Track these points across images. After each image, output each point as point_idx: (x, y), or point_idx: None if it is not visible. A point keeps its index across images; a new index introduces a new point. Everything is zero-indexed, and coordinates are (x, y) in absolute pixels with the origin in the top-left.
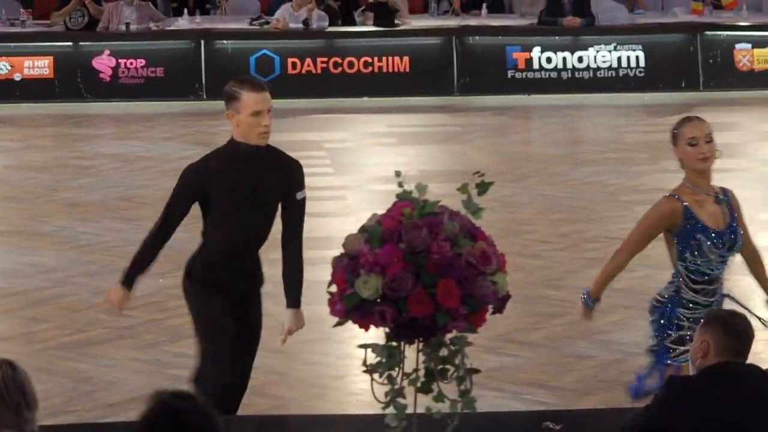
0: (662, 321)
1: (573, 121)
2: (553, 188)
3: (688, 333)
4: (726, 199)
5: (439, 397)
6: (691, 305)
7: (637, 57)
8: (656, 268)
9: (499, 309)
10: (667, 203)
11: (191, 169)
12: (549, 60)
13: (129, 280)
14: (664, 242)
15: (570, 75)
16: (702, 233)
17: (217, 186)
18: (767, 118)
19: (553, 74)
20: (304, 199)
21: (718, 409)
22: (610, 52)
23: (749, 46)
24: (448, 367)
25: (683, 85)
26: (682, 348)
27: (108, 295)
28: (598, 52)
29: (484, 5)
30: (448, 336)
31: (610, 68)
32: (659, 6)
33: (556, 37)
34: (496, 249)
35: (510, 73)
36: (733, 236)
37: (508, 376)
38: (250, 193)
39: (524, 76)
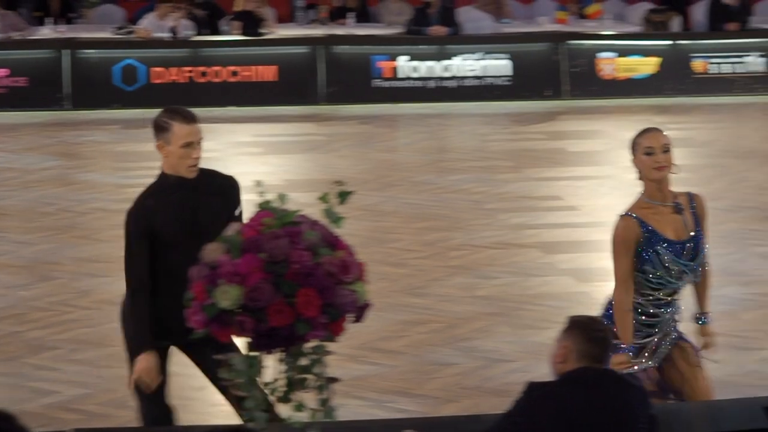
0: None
1: (439, 130)
2: (418, 197)
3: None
4: (691, 208)
5: (299, 407)
6: (643, 314)
7: (502, 66)
8: (518, 275)
9: (358, 318)
10: (621, 223)
11: (132, 214)
12: (415, 69)
13: (148, 341)
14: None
15: (436, 84)
16: (659, 244)
17: (158, 224)
18: (630, 125)
19: (419, 83)
20: (241, 213)
21: (578, 414)
22: (476, 61)
23: (613, 55)
24: (308, 376)
25: (548, 94)
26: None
27: (141, 370)
28: (464, 61)
29: (351, 14)
30: (308, 345)
31: (476, 77)
32: (525, 15)
33: (422, 46)
34: (356, 258)
35: (376, 82)
36: (696, 245)
37: (370, 384)
38: (189, 225)
39: (390, 85)
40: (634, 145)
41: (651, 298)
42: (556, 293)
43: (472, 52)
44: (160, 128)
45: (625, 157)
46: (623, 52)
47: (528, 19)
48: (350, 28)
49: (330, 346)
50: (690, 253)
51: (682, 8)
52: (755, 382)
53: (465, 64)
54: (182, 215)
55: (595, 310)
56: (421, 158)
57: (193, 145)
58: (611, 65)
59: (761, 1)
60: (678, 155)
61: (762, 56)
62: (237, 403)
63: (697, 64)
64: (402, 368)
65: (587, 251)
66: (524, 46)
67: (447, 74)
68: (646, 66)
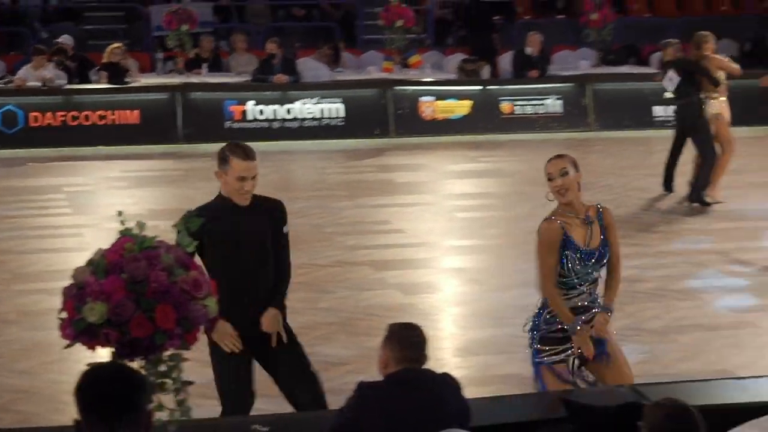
0: (533, 327)
1: (283, 165)
2: None
3: (550, 336)
4: (598, 220)
5: (159, 407)
6: (553, 313)
7: (337, 109)
8: (353, 289)
9: (210, 328)
10: (546, 225)
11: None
12: (261, 112)
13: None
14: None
15: (280, 125)
16: (571, 250)
17: (209, 236)
18: (448, 159)
19: (265, 124)
20: (287, 232)
21: (400, 410)
22: (314, 104)
23: (432, 98)
24: (166, 380)
25: (377, 133)
26: (547, 349)
27: (219, 335)
28: (304, 104)
29: (205, 65)
30: (166, 353)
31: (314, 118)
32: (356, 65)
33: (268, 92)
34: (206, 277)
35: (227, 124)
36: (601, 254)
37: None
38: (236, 242)
39: (240, 126)
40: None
41: (566, 299)
42: (386, 304)
43: (311, 97)
44: (221, 159)
45: (445, 186)
46: (441, 96)
47: (359, 69)
48: (204, 76)
49: (186, 353)
50: (595, 259)
51: (491, 58)
52: None
53: (304, 108)
54: (230, 234)
55: (420, 319)
56: (268, 190)
57: (246, 179)
58: (431, 107)
59: (558, 52)
60: (489, 184)
61: (559, 99)
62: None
63: (505, 106)
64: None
65: (413, 268)
66: (356, 91)
67: (289, 116)
68: (460, 108)
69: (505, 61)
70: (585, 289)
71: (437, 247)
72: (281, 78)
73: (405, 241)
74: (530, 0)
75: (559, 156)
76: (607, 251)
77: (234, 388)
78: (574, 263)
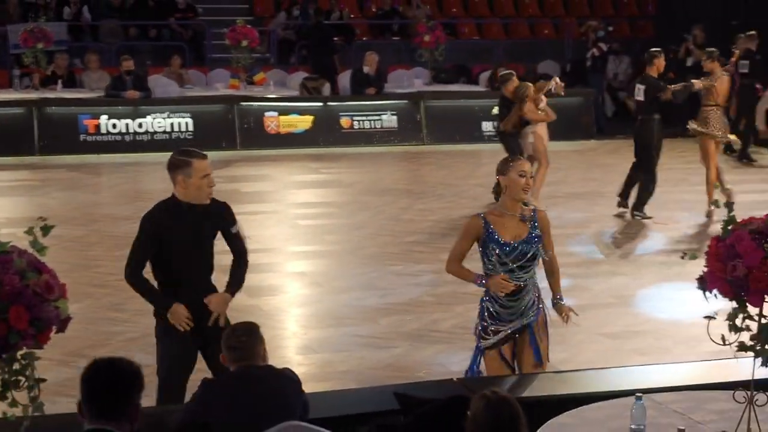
0: (478, 315)
1: (135, 176)
2: (118, 230)
3: (491, 325)
4: (533, 219)
5: (13, 403)
6: (493, 302)
7: (186, 123)
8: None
9: (61, 329)
10: (471, 219)
11: (146, 219)
12: (114, 126)
13: (167, 300)
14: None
15: (132, 138)
16: (496, 244)
17: (167, 235)
18: (292, 171)
19: (118, 137)
20: (238, 231)
21: (243, 403)
22: (164, 119)
23: (276, 113)
24: (20, 378)
25: (224, 145)
26: (488, 337)
27: (174, 317)
28: (154, 119)
29: (60, 81)
30: (20, 352)
31: (164, 132)
32: (204, 82)
33: (120, 107)
34: (58, 280)
35: (82, 137)
36: (525, 249)
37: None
38: (191, 240)
39: (94, 139)
40: (508, 167)
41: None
42: (232, 306)
43: (161, 112)
44: (180, 165)
45: (289, 195)
46: (284, 112)
47: (207, 85)
48: (59, 92)
49: (39, 352)
50: (519, 254)
51: (331, 76)
52: (391, 373)
53: (155, 122)
54: (188, 232)
55: (264, 319)
56: (120, 199)
57: (209, 175)
58: (275, 122)
59: (393, 71)
60: (330, 194)
61: (394, 114)
62: None
63: (344, 121)
64: None
65: (258, 272)
66: (204, 106)
67: (140, 130)
68: (303, 123)
69: (345, 79)
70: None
71: (281, 252)
72: (133, 94)
73: (250, 247)
74: (368, 23)
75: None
76: (532, 250)
77: (171, 380)
78: (500, 256)
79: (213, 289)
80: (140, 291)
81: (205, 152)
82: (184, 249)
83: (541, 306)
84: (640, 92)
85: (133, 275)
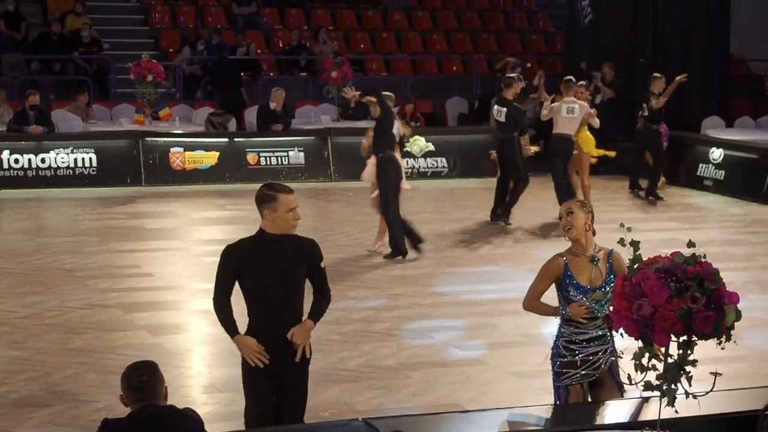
0: (552, 352)
1: (37, 212)
2: (20, 267)
3: (568, 360)
4: (608, 261)
5: None
6: (567, 342)
7: (90, 158)
8: (103, 330)
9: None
10: (553, 259)
11: (225, 253)
12: (17, 161)
13: (236, 329)
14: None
15: (34, 173)
16: (572, 287)
17: (248, 267)
18: (197, 207)
19: (21, 173)
20: (324, 267)
21: None
22: (67, 154)
23: (181, 149)
24: None
25: (129, 181)
26: (567, 372)
27: (243, 349)
28: (57, 154)
29: None
30: None
31: (68, 167)
32: (109, 117)
33: (23, 142)
34: None
35: None
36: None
37: None
38: (276, 272)
39: None
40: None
41: (573, 329)
42: (135, 344)
43: (65, 147)
44: (267, 199)
45: (194, 232)
46: (190, 147)
47: (112, 120)
48: None
49: None
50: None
51: (238, 112)
52: None
53: (58, 157)
54: (269, 264)
55: (167, 358)
56: (22, 235)
57: (296, 209)
58: (180, 158)
59: (300, 107)
60: (235, 231)
61: (301, 151)
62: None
63: (251, 157)
64: (4, 410)
65: (161, 310)
66: (108, 142)
67: (43, 165)
68: (208, 159)
69: (251, 114)
70: (598, 323)
71: (185, 289)
72: (36, 129)
73: (153, 285)
74: (275, 58)
75: (570, 199)
76: (609, 292)
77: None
78: (576, 299)
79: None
80: (217, 314)
81: (290, 187)
82: (264, 281)
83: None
84: (501, 114)
85: (215, 301)
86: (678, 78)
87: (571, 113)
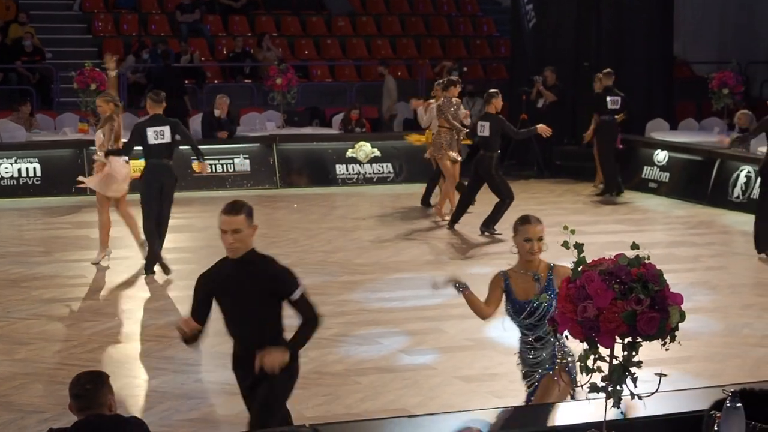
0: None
1: None
2: None
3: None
4: (549, 276)
5: None
6: (523, 354)
7: (34, 168)
8: (50, 341)
9: None
10: (494, 278)
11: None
12: None
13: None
14: None
15: None
16: (509, 301)
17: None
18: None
19: None
20: (298, 299)
21: None
22: (11, 164)
23: (125, 158)
24: None
25: (73, 191)
26: (526, 382)
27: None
28: (1, 165)
29: None
30: None
31: (12, 177)
32: (52, 126)
33: None
34: None
35: None
36: (539, 306)
37: None
38: (231, 296)
39: None
40: (517, 230)
41: (526, 339)
42: (83, 355)
43: (8, 158)
44: None
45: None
46: (135, 156)
47: (56, 130)
48: None
49: None
50: (532, 312)
51: (182, 120)
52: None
53: (2, 168)
54: (229, 289)
55: (113, 368)
56: None
57: (226, 232)
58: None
59: (245, 114)
60: (182, 239)
61: (246, 158)
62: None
63: (196, 165)
64: None
65: (108, 319)
66: (52, 151)
67: None
68: None
69: (196, 122)
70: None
71: (132, 298)
72: None
73: (100, 295)
74: (219, 65)
75: (537, 220)
76: (550, 308)
77: None
78: (511, 313)
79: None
80: None
81: (238, 206)
82: (228, 304)
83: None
84: (484, 129)
85: None
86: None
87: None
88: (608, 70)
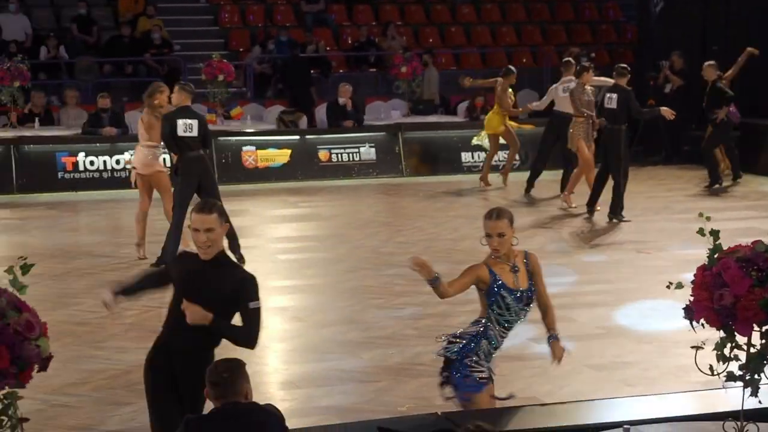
0: (464, 351)
1: (113, 212)
2: (97, 267)
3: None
4: (525, 265)
5: None
6: (493, 341)
7: (164, 158)
8: None
9: (43, 367)
10: (477, 264)
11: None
12: (92, 163)
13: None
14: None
15: (110, 175)
16: (504, 291)
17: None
18: (270, 205)
19: (96, 174)
20: (253, 309)
21: None
22: None
23: (254, 148)
24: (2, 417)
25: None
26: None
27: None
28: (132, 155)
29: (37, 119)
30: (1, 392)
31: None
32: None
33: (97, 144)
34: (39, 318)
35: (60, 174)
36: (529, 295)
37: (62, 423)
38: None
39: (72, 177)
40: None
41: (503, 333)
42: None
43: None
44: None
45: (268, 230)
46: (262, 146)
47: None
48: (37, 130)
49: (21, 392)
50: (525, 300)
51: (308, 109)
52: (374, 408)
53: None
54: (190, 284)
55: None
56: (99, 236)
57: (198, 231)
58: (253, 156)
59: (370, 104)
60: (309, 227)
61: (372, 147)
62: None
63: (322, 154)
64: (87, 408)
65: None
66: None
67: (118, 167)
68: (280, 156)
69: (321, 112)
70: (514, 330)
71: (261, 287)
72: (110, 130)
73: None
74: (344, 55)
75: (498, 216)
76: (533, 295)
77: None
78: (509, 302)
79: (200, 347)
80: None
81: (211, 205)
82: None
83: None
84: (612, 101)
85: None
86: (749, 50)
87: (566, 93)
88: (711, 62)
